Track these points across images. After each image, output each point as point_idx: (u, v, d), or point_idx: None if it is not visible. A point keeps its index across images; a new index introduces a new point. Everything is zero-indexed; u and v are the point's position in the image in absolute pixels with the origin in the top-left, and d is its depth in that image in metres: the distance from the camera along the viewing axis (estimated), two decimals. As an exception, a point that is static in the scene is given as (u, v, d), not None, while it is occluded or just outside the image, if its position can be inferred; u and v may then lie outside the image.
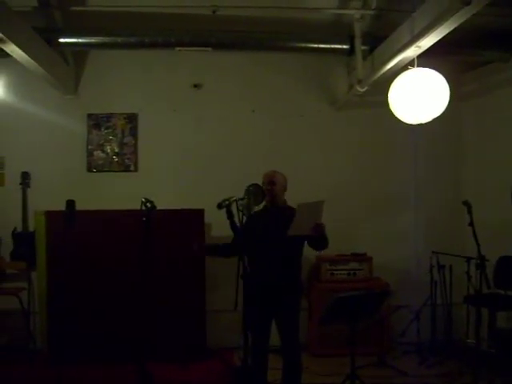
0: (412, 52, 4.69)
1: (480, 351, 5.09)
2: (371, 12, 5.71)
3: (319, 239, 4.30)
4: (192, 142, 6.50)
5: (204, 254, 5.01)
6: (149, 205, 4.13)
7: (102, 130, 6.47)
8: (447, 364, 5.59)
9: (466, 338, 5.87)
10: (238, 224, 3.94)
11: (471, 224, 4.64)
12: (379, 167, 6.65)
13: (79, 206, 4.68)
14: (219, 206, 3.90)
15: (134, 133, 6.50)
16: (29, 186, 6.28)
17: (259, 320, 4.37)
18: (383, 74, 5.36)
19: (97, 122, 6.46)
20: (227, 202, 3.89)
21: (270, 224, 4.45)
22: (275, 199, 4.51)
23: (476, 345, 4.90)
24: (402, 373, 5.41)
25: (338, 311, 4.15)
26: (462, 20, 4.03)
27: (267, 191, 4.44)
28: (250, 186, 4.31)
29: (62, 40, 5.74)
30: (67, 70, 6.24)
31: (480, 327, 4.83)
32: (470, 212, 4.70)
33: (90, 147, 6.46)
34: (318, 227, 4.12)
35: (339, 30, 6.08)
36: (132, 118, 6.49)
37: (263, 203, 4.56)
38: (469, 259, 5.47)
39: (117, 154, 6.48)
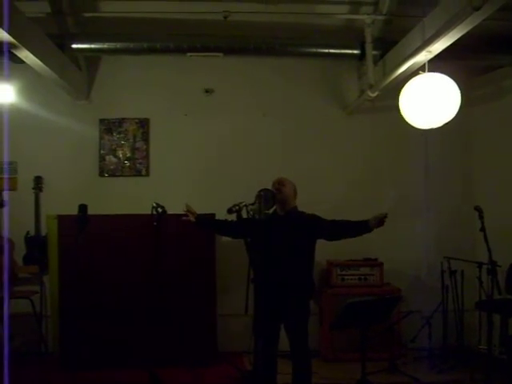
0: (423, 57, 4.69)
1: (492, 357, 5.06)
2: (382, 17, 5.74)
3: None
4: (203, 147, 6.52)
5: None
6: (160, 209, 4.16)
7: (114, 134, 6.51)
8: (459, 370, 5.55)
9: (477, 344, 5.83)
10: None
11: (483, 229, 4.62)
12: (390, 172, 6.63)
13: (91, 211, 4.72)
14: (229, 211, 3.92)
15: (145, 138, 6.53)
16: (41, 191, 6.32)
17: (269, 323, 4.38)
18: (394, 78, 5.36)
19: (109, 126, 6.51)
20: (237, 207, 3.91)
21: (283, 230, 4.45)
22: (286, 203, 4.52)
23: (488, 351, 4.87)
24: (414, 379, 5.37)
25: (348, 316, 4.16)
26: (472, 25, 4.02)
27: (277, 191, 4.45)
28: (261, 190, 4.32)
29: (74, 46, 5.80)
30: (80, 75, 6.29)
31: (492, 333, 4.80)
32: (481, 217, 4.68)
33: (102, 152, 6.50)
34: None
35: (350, 35, 6.08)
36: (144, 123, 6.53)
37: (273, 208, 4.56)
38: (480, 265, 5.43)
39: (128, 159, 6.52)
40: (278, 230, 4.44)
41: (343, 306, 4.04)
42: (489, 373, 4.73)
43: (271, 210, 4.56)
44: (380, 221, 4.25)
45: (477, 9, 3.68)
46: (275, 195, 4.41)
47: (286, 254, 4.36)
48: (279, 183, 4.51)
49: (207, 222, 4.83)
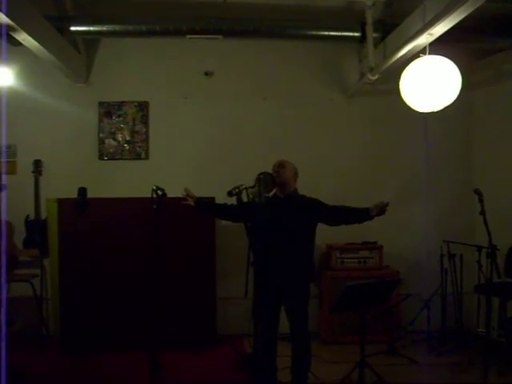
0: (424, 39, 4.65)
1: (490, 340, 5.09)
2: (383, -1, 5.69)
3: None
4: (203, 130, 6.51)
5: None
6: (160, 192, 4.15)
7: (114, 118, 6.49)
8: (457, 353, 5.59)
9: (476, 327, 5.86)
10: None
11: (482, 213, 4.62)
12: (390, 155, 6.63)
13: (91, 194, 4.70)
14: (229, 194, 3.92)
15: (145, 121, 6.51)
16: (41, 174, 6.32)
17: (269, 307, 4.40)
18: (395, 61, 5.32)
19: (108, 110, 6.48)
20: (237, 190, 3.91)
21: (283, 213, 4.44)
22: (285, 185, 4.50)
23: (486, 334, 4.89)
24: (412, 361, 5.42)
25: (348, 299, 4.17)
26: (474, 7, 3.99)
27: (276, 174, 4.43)
28: (261, 174, 4.31)
29: (73, 28, 5.77)
30: (78, 58, 6.25)
31: (490, 316, 4.82)
32: (481, 201, 4.67)
33: (101, 135, 6.48)
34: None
35: (351, 17, 6.04)
36: (143, 106, 6.51)
37: (273, 191, 4.55)
38: (480, 248, 5.45)
39: (128, 142, 6.50)
40: (278, 212, 4.43)
41: (343, 289, 4.05)
42: (487, 355, 4.75)
43: (271, 193, 4.55)
44: (381, 209, 4.28)
45: (479, -10, 3.65)
46: (274, 178, 4.40)
47: (286, 237, 4.35)
48: (279, 166, 4.48)
49: (207, 205, 4.82)
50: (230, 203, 4.53)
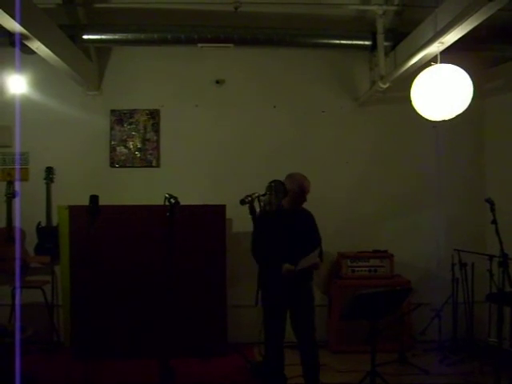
0: (435, 48, 4.66)
1: (502, 350, 5.04)
2: (394, 8, 5.71)
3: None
4: (214, 138, 6.52)
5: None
6: (172, 200, 4.15)
7: (125, 125, 6.52)
8: (468, 363, 5.56)
9: (487, 336, 5.82)
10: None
11: (494, 222, 4.59)
12: (401, 163, 6.61)
13: (102, 201, 4.71)
14: (242, 202, 3.93)
15: (156, 129, 6.54)
16: (53, 181, 6.36)
17: (278, 314, 4.45)
18: (406, 70, 5.33)
19: (120, 117, 6.51)
20: (250, 198, 3.92)
21: (296, 225, 4.52)
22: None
23: (498, 343, 4.86)
24: (423, 371, 5.38)
25: (358, 308, 4.16)
26: (486, 16, 3.98)
27: (304, 200, 4.54)
28: (272, 182, 4.32)
29: (85, 37, 5.81)
30: (91, 66, 6.30)
31: (502, 326, 4.78)
32: (492, 209, 4.65)
33: (112, 143, 6.51)
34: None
35: (361, 26, 6.07)
36: (154, 114, 6.53)
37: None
38: (491, 257, 5.43)
39: (139, 150, 6.53)
40: (293, 225, 4.52)
41: (353, 297, 4.04)
42: (498, 365, 4.72)
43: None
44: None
45: (491, -1, 3.65)
46: (299, 195, 4.47)
47: (300, 246, 4.45)
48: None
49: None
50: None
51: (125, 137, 6.52)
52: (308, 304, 4.55)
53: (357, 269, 6.16)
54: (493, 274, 5.43)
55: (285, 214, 4.53)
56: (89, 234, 4.28)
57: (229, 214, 5.86)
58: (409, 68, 5.28)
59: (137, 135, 6.53)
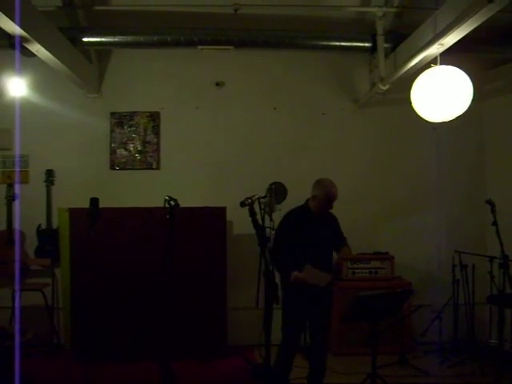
0: (435, 50, 4.66)
1: (503, 352, 5.04)
2: (394, 10, 5.70)
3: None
4: (214, 140, 6.52)
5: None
6: (172, 203, 4.15)
7: (125, 128, 6.52)
8: (469, 364, 5.54)
9: (488, 338, 5.82)
10: (260, 222, 3.98)
11: (495, 223, 4.60)
12: (401, 165, 6.61)
13: (102, 204, 4.71)
14: (242, 205, 3.92)
15: (156, 131, 6.54)
16: (53, 184, 6.36)
17: (298, 323, 4.51)
18: (406, 71, 5.34)
19: (120, 120, 6.52)
20: (250, 201, 3.91)
21: (323, 229, 4.54)
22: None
23: (499, 345, 4.86)
24: (424, 372, 5.38)
25: (359, 310, 4.15)
26: (485, 17, 3.98)
27: (330, 207, 4.54)
28: (272, 184, 4.34)
29: (85, 39, 5.81)
30: (91, 68, 6.30)
31: (503, 327, 4.79)
32: (493, 211, 4.66)
33: (113, 145, 6.51)
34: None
35: (361, 27, 6.07)
36: (154, 117, 6.54)
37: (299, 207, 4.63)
38: (492, 259, 5.42)
39: (139, 152, 6.53)
40: (321, 229, 4.53)
41: (354, 299, 4.04)
42: (499, 367, 4.71)
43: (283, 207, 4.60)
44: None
45: (491, 1, 3.65)
46: (325, 202, 4.48)
47: (326, 250, 4.56)
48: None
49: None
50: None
51: (125, 139, 6.52)
52: (327, 307, 4.60)
53: (357, 271, 6.16)
54: (493, 275, 5.42)
55: (311, 218, 4.54)
56: (89, 236, 4.28)
57: (229, 216, 5.85)
58: (409, 70, 5.29)
59: (137, 137, 6.53)
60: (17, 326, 4.79)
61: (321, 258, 4.44)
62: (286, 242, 4.43)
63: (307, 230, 4.45)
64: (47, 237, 6.23)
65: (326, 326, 4.59)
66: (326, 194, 4.47)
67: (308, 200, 4.58)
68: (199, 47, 5.86)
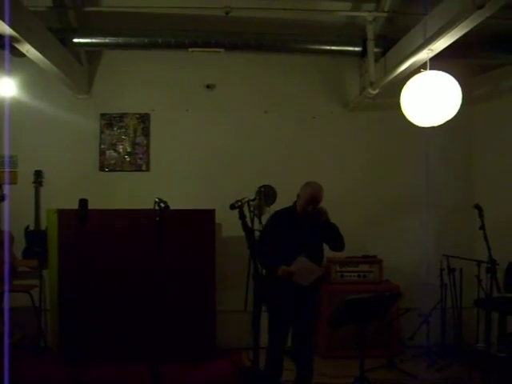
0: (424, 55, 4.69)
1: (490, 355, 5.07)
2: (384, 14, 5.73)
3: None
4: (204, 143, 6.52)
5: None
6: (162, 205, 4.15)
7: (115, 129, 6.50)
8: (456, 368, 5.58)
9: (475, 341, 5.84)
10: (249, 225, 3.98)
11: (482, 227, 4.63)
12: (391, 169, 6.64)
13: (91, 205, 4.71)
14: (232, 207, 3.93)
15: (146, 133, 6.53)
16: (41, 185, 6.33)
17: (283, 325, 4.49)
18: (395, 76, 5.37)
19: (109, 121, 6.50)
20: (239, 203, 3.92)
21: (309, 230, 4.53)
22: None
23: (486, 349, 4.88)
24: (411, 376, 5.39)
25: (347, 313, 4.16)
26: (475, 23, 4.02)
27: (312, 209, 4.48)
28: (262, 186, 4.34)
29: (76, 40, 5.80)
30: (81, 69, 6.29)
31: (490, 331, 4.81)
32: (481, 216, 4.69)
33: (102, 146, 6.50)
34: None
35: (352, 32, 6.10)
36: (144, 118, 6.53)
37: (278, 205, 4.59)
38: (479, 263, 5.45)
39: (129, 154, 6.52)
40: (304, 228, 4.53)
41: (342, 303, 4.04)
42: (487, 371, 4.74)
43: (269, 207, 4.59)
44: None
45: (480, 7, 3.69)
46: (306, 203, 4.46)
47: (311, 250, 4.50)
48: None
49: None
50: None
51: (115, 141, 6.51)
52: (314, 308, 4.57)
53: (346, 274, 6.18)
54: (481, 279, 5.46)
55: (297, 218, 4.54)
56: (77, 237, 4.27)
57: (218, 218, 5.85)
58: (398, 74, 5.31)
59: (127, 139, 6.52)
60: (6, 328, 4.76)
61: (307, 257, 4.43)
62: (270, 241, 4.43)
63: (291, 230, 4.46)
64: (35, 238, 6.20)
65: (312, 328, 4.58)
66: (309, 193, 4.47)
67: (296, 202, 4.59)
68: (190, 49, 5.86)
